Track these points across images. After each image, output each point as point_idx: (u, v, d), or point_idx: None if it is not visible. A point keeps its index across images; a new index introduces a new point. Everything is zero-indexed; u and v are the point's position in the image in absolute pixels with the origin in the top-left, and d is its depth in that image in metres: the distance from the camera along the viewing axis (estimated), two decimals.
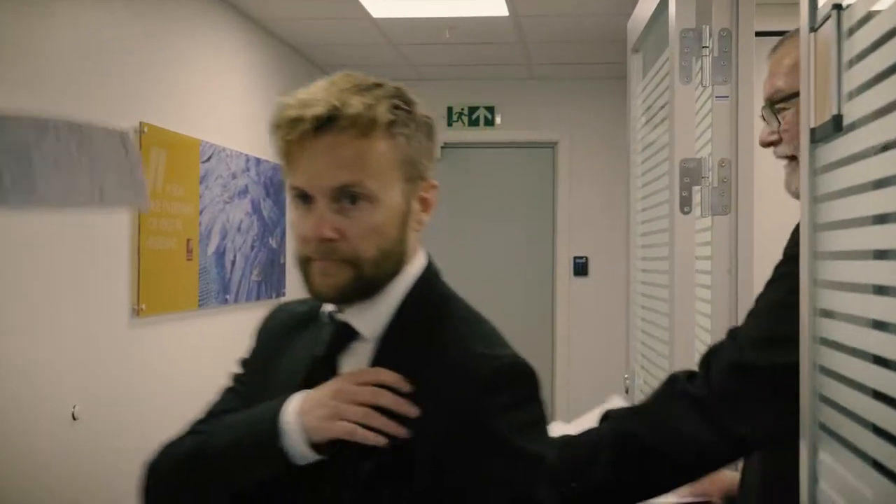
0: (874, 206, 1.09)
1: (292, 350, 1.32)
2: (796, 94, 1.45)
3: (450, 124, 6.23)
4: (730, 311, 2.21)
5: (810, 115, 1.23)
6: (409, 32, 4.96)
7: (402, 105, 1.22)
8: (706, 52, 2.20)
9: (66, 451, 3.01)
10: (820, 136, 1.19)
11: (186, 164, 3.87)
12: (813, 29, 1.21)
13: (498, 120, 6.22)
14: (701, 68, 2.22)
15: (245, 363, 1.40)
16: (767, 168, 2.17)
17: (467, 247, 6.22)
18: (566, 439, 1.53)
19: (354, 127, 1.17)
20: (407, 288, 1.28)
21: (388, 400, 1.17)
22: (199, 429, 1.31)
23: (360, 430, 1.16)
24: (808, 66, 1.24)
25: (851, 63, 1.11)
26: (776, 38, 2.05)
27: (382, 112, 1.19)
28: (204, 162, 4.03)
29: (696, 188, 2.23)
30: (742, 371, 1.41)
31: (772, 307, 1.45)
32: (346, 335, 1.27)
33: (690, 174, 2.22)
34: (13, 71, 2.72)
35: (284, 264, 5.09)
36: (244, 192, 4.52)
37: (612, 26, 4.76)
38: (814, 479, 1.25)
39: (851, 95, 1.11)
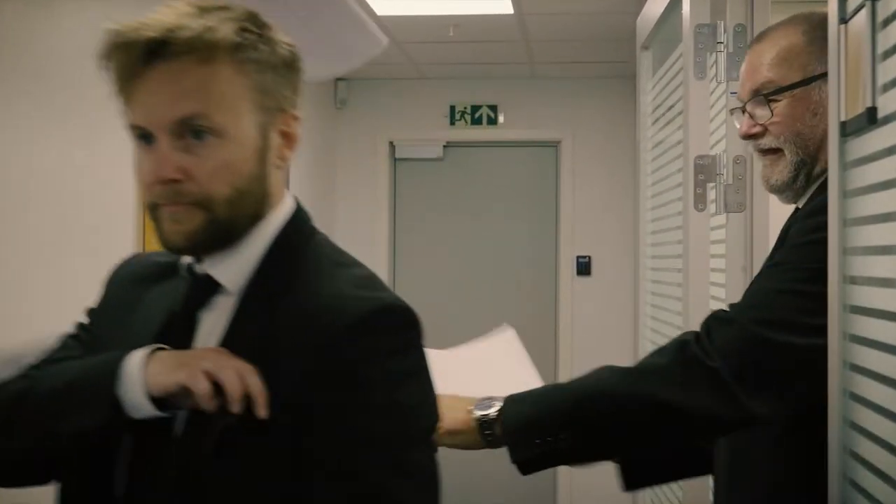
0: None
1: (148, 303, 1.20)
2: (790, 87, 1.49)
3: (452, 123, 6.21)
4: None
5: (840, 108, 1.21)
6: (413, 30, 4.94)
7: (252, 28, 1.11)
8: (721, 47, 2.18)
9: None
10: (851, 129, 1.17)
11: None
12: (843, 21, 1.20)
13: (501, 119, 6.20)
14: (715, 64, 2.20)
15: (92, 313, 1.28)
16: None
17: (469, 246, 6.20)
18: (561, 387, 1.53)
19: (194, 52, 1.06)
20: (272, 234, 1.16)
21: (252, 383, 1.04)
22: (31, 373, 1.17)
23: (203, 385, 1.03)
24: (838, 57, 1.23)
25: (886, 55, 1.09)
26: None
27: (226, 34, 1.08)
28: None
29: (710, 185, 2.21)
30: (762, 348, 1.40)
31: (781, 292, 1.43)
32: (207, 288, 1.15)
33: (705, 171, 2.20)
34: (21, 67, 2.71)
35: None
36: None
37: (616, 25, 4.75)
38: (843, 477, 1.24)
39: (886, 88, 1.09)
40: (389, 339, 1.08)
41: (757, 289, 1.47)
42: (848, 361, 1.22)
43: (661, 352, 1.50)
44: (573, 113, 6.13)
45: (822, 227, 1.34)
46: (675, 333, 2.47)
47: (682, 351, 1.44)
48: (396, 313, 1.10)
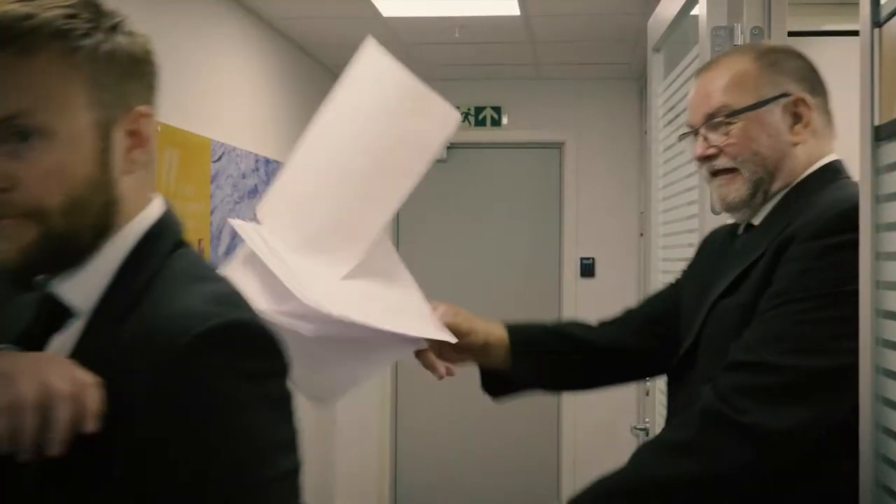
0: None
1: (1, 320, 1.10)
2: (745, 109, 1.57)
3: None
4: None
5: (874, 112, 1.21)
6: (418, 31, 4.93)
7: (85, 14, 0.99)
8: None
9: None
10: (886, 133, 1.17)
11: (198, 164, 3.84)
12: (877, 24, 1.19)
13: (504, 120, 6.19)
14: None
15: None
16: None
17: (473, 246, 6.19)
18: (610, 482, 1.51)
19: (12, 42, 0.94)
20: (129, 247, 1.03)
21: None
22: None
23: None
24: (870, 62, 1.22)
25: None
26: (808, 38, 2.05)
27: (49, 21, 0.95)
28: (215, 161, 4.01)
29: None
30: (793, 375, 1.39)
31: (802, 322, 1.41)
32: (56, 309, 1.02)
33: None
34: None
35: None
36: (254, 192, 4.49)
37: (621, 26, 4.75)
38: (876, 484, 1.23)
39: None
40: (235, 360, 0.94)
41: (774, 321, 1.44)
42: (881, 367, 1.22)
43: (686, 425, 1.48)
44: (577, 114, 6.12)
45: (833, 249, 1.36)
46: None
47: (710, 418, 1.43)
48: (247, 333, 0.97)
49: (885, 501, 1.22)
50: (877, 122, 1.20)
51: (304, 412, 4.18)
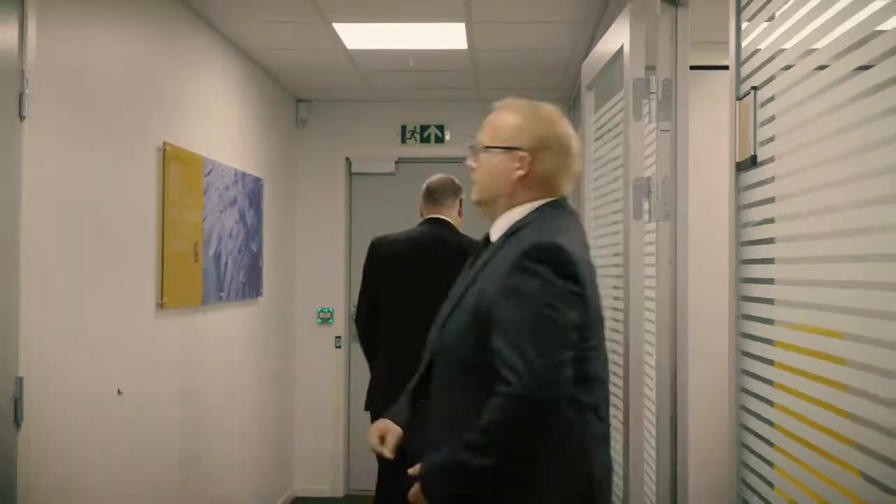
0: (773, 212, 1.77)
1: None
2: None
3: (403, 141, 6.86)
4: (671, 293, 2.89)
5: (736, 153, 1.90)
6: (377, 61, 5.58)
7: None
8: (653, 96, 2.88)
9: (112, 422, 3.55)
10: (742, 167, 1.87)
11: (194, 177, 4.43)
12: (738, 98, 1.89)
13: (447, 137, 6.87)
14: (649, 108, 2.90)
15: None
16: (696, 186, 2.87)
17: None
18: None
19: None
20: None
21: None
22: None
23: None
24: (735, 121, 1.92)
25: (762, 123, 1.78)
26: (707, 71, 2.78)
27: None
28: (206, 175, 4.60)
29: (644, 200, 2.90)
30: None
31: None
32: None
33: (641, 189, 2.89)
34: (69, 92, 3.25)
35: (262, 267, 5.66)
36: (234, 202, 5.08)
37: (554, 58, 5.47)
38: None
39: (762, 143, 1.78)
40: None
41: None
42: (740, 351, 1.91)
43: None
44: None
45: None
46: (619, 316, 3.15)
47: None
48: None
49: (745, 435, 1.91)
50: (737, 160, 1.89)
51: (267, 399, 4.98)
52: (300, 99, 6.77)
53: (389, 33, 4.95)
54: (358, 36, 4.98)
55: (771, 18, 1.75)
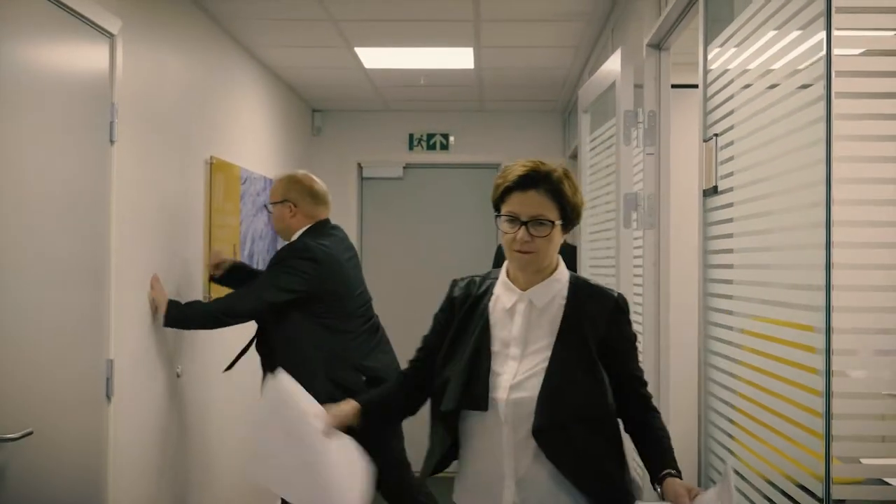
0: (730, 229, 2.33)
1: None
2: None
3: (411, 148, 7.42)
4: (655, 289, 3.46)
5: (703, 182, 2.47)
6: (390, 78, 6.13)
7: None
8: (640, 125, 3.44)
9: (174, 398, 4.10)
10: (707, 193, 2.43)
11: (233, 186, 4.98)
12: (705, 141, 2.45)
13: (452, 144, 7.43)
14: (637, 135, 3.46)
15: None
16: (674, 201, 3.44)
17: (425, 250, 7.42)
18: None
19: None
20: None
21: None
22: None
23: None
24: (702, 158, 2.48)
25: (723, 162, 2.35)
26: (687, 90, 3.30)
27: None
28: (242, 184, 5.14)
29: (633, 212, 3.47)
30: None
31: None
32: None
33: (630, 203, 3.46)
34: (143, 115, 3.78)
35: None
36: (263, 207, 5.62)
37: (552, 75, 6.02)
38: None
39: (722, 177, 2.35)
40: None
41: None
42: (707, 335, 2.47)
43: None
44: (512, 140, 7.39)
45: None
46: None
47: None
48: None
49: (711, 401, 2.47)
50: (704, 188, 2.45)
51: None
52: (315, 109, 7.32)
53: (404, 55, 5.50)
54: (376, 57, 5.53)
55: (730, 83, 2.32)
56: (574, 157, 5.85)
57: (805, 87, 1.83)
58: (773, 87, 2.01)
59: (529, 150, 7.38)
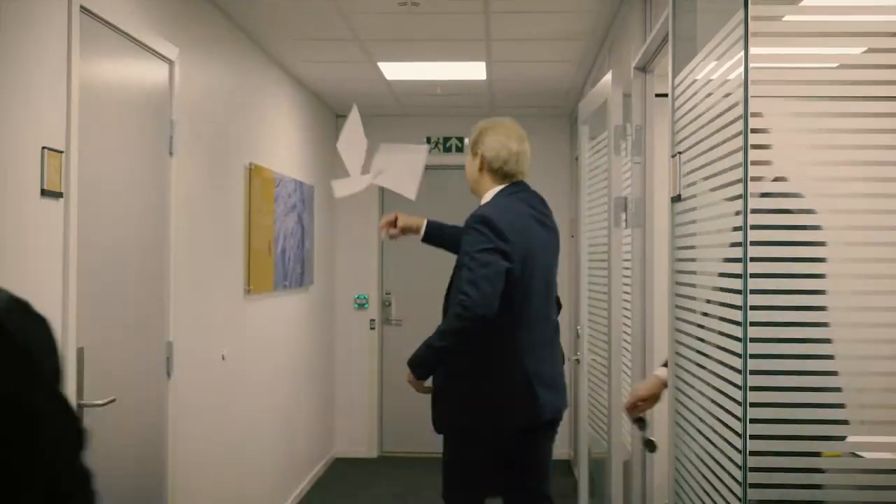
0: (692, 229, 2.84)
1: None
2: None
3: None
4: (641, 280, 3.96)
5: (671, 190, 2.97)
6: (410, 88, 6.65)
7: None
8: (629, 138, 3.94)
9: (218, 379, 4.64)
10: (674, 200, 2.94)
11: (268, 189, 5.51)
12: (672, 156, 2.96)
13: (466, 146, 7.92)
14: (626, 146, 3.97)
15: None
16: (658, 203, 3.93)
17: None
18: None
19: None
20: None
21: None
22: None
23: None
24: (670, 170, 2.99)
25: (685, 175, 2.85)
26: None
27: None
28: (276, 187, 5.68)
29: (622, 212, 3.97)
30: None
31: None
32: None
33: (619, 205, 3.96)
34: (194, 127, 4.32)
35: (313, 260, 6.76)
36: (294, 207, 6.16)
37: (558, 85, 6.53)
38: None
39: (684, 187, 2.85)
40: None
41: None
42: (676, 327, 2.97)
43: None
44: None
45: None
46: (603, 297, 4.21)
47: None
48: None
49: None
50: (672, 195, 2.96)
51: (315, 373, 6.42)
52: (339, 115, 7.85)
53: (422, 68, 6.02)
54: (397, 70, 6.05)
55: (692, 108, 2.82)
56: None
57: (728, 100, 2.32)
58: (710, 108, 2.50)
59: (539, 152, 7.85)
